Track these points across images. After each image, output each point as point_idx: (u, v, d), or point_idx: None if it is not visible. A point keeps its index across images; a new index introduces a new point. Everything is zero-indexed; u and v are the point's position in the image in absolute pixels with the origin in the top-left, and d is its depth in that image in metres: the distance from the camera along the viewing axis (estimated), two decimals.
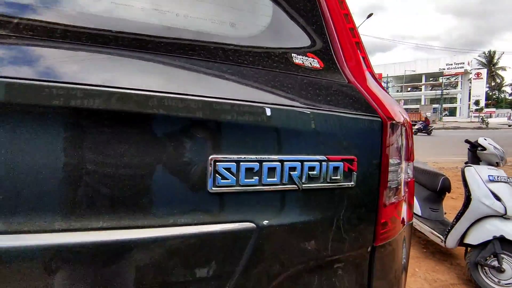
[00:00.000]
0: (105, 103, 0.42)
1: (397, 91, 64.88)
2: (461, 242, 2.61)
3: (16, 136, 0.39)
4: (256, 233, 0.54)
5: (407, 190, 0.79)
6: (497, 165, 2.76)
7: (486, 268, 2.36)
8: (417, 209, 3.18)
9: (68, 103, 0.40)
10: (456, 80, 61.05)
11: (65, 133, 0.41)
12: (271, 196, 0.56)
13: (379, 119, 0.67)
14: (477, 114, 47.15)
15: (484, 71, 58.71)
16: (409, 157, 0.80)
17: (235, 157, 0.52)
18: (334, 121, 0.61)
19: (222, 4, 0.62)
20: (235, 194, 0.54)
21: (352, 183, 0.63)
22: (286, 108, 0.57)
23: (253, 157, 0.54)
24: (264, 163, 0.55)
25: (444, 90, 57.78)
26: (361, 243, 0.65)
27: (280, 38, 0.66)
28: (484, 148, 2.79)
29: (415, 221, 3.13)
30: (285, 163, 0.57)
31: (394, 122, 0.70)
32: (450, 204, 4.30)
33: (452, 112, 60.03)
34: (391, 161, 0.69)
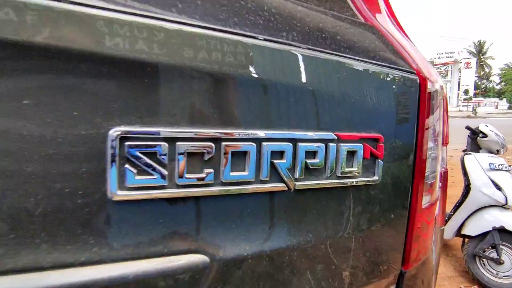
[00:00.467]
0: None
1: None
2: (458, 233, 2.53)
3: None
4: (211, 272, 0.29)
5: (441, 185, 0.55)
6: (497, 152, 2.67)
7: (484, 259, 2.30)
8: None
9: None
10: (446, 70, 61.27)
11: None
12: (239, 203, 0.31)
13: (415, 76, 0.42)
14: (466, 103, 47.58)
15: (473, 61, 58.85)
16: (446, 140, 0.56)
17: (166, 130, 0.27)
18: (346, 74, 0.36)
19: None
20: (167, 202, 0.28)
21: (376, 177, 0.38)
22: (266, 46, 0.32)
23: (202, 131, 0.28)
24: (224, 143, 0.29)
25: None
26: (383, 270, 0.41)
27: None
28: (485, 135, 2.69)
29: None
30: (264, 144, 0.31)
31: (433, 83, 0.45)
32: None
33: None
34: (429, 143, 0.44)
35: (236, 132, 0.29)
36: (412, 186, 0.42)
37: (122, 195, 0.25)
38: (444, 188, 0.59)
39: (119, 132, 0.25)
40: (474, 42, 64.86)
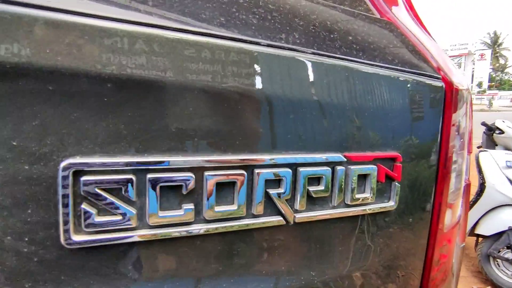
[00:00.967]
0: None
1: None
2: (471, 232, 2.44)
3: None
4: None
5: (463, 200, 0.48)
6: None
7: (498, 260, 2.24)
8: None
9: None
10: (460, 62, 59.20)
11: None
12: (227, 243, 0.25)
13: (441, 83, 0.35)
14: (480, 96, 45.95)
15: (488, 52, 56.57)
16: (470, 148, 0.49)
17: (132, 160, 0.21)
18: (358, 82, 0.29)
19: None
20: (137, 247, 0.23)
21: (392, 203, 0.32)
22: (259, 51, 0.25)
23: (179, 159, 0.22)
24: (207, 172, 0.23)
25: None
26: None
27: None
28: (501, 131, 2.58)
29: None
30: (256, 171, 0.25)
31: (460, 89, 0.38)
32: None
33: None
34: (454, 157, 0.38)
35: (222, 159, 0.23)
36: (433, 209, 0.36)
37: (78, 241, 0.20)
38: (466, 202, 0.52)
39: (73, 165, 0.20)
40: (489, 33, 62.33)
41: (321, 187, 0.27)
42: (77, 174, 0.20)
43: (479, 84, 57.03)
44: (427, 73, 0.34)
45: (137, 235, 0.22)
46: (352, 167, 0.28)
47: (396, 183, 0.32)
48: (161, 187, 0.22)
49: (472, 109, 0.51)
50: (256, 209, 0.25)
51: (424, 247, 0.37)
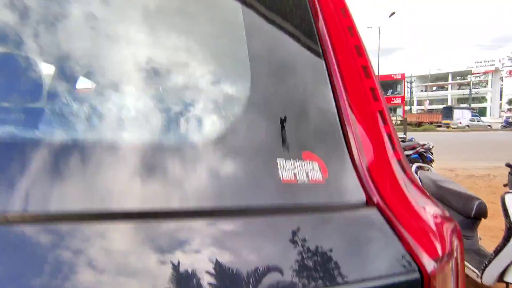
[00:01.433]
0: None
1: (422, 91, 61.11)
2: (500, 279, 2.28)
3: None
4: None
5: None
6: None
7: None
8: None
9: None
10: (486, 79, 56.60)
11: None
12: None
13: (417, 275, 0.37)
14: (510, 114, 43.32)
15: None
16: None
17: None
18: None
19: None
20: None
21: None
22: None
23: None
24: None
25: (472, 89, 53.78)
26: None
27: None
28: None
29: None
30: None
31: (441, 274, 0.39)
32: (485, 224, 3.80)
33: (482, 112, 55.59)
34: None
35: None
36: None
37: None
38: None
39: None
40: None
41: None
42: None
43: (509, 102, 53.59)
44: (401, 269, 0.36)
45: None
46: None
47: None
48: None
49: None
50: None
51: None
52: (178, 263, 0.29)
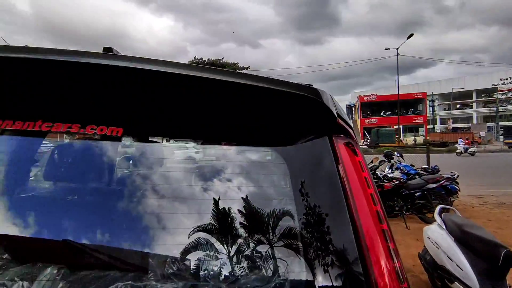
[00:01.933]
0: None
1: (444, 109, 59.07)
2: None
3: None
4: None
5: None
6: None
7: None
8: (473, 283, 2.78)
9: None
10: None
11: None
12: None
13: None
14: None
15: None
16: None
17: None
18: None
19: None
20: None
21: None
22: None
23: None
24: None
25: (499, 107, 51.17)
26: None
27: None
28: None
29: None
30: None
31: None
32: None
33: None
34: None
35: None
36: None
37: None
38: None
39: None
40: None
41: None
42: None
43: None
44: None
45: None
46: None
47: None
48: None
49: None
50: None
51: None
52: None
